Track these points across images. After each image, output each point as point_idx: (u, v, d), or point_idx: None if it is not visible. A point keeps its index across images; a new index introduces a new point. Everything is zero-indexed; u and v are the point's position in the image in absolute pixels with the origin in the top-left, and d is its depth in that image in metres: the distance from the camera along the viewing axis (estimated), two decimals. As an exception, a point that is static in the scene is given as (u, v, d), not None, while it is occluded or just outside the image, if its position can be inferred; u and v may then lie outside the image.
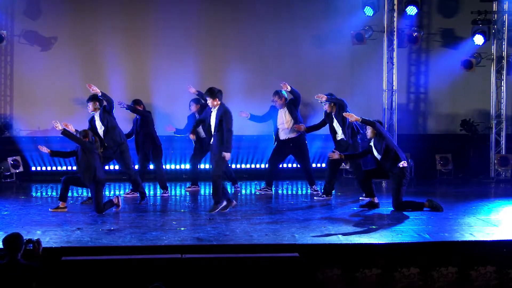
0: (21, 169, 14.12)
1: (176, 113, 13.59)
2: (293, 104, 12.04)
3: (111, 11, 14.54)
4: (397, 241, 8.44)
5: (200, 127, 12.55)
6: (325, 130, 11.83)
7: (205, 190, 13.08)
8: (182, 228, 9.19)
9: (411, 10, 14.36)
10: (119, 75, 14.00)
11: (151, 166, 12.42)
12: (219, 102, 10.28)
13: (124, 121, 12.82)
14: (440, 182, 14.19)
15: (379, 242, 8.38)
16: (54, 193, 12.41)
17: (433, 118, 15.39)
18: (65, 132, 10.21)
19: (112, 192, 12.69)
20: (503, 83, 14.86)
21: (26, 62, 14.41)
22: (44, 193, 12.85)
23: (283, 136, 12.15)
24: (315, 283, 7.96)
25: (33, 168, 14.35)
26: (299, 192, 13.12)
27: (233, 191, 12.12)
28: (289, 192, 13.15)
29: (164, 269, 7.43)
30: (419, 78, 15.39)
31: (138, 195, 11.43)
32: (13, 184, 13.85)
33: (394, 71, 14.70)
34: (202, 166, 13.79)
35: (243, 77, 13.95)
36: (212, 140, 10.36)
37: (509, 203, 11.35)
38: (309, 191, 12.36)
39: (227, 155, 10.17)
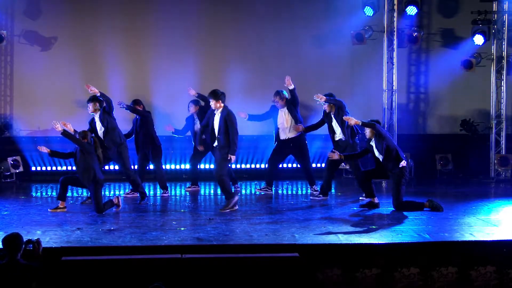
0: (21, 169, 14.12)
1: (176, 113, 13.58)
2: (292, 104, 12.04)
3: (111, 11, 14.54)
4: (397, 241, 8.45)
5: (199, 127, 12.55)
6: (325, 130, 11.82)
7: (205, 190, 13.08)
8: (182, 228, 9.19)
9: (411, 10, 14.36)
10: (119, 75, 14.00)
11: (151, 166, 12.41)
12: (222, 105, 10.29)
13: (124, 121, 12.82)
14: (440, 182, 14.19)
15: (379, 242, 8.38)
16: (54, 193, 12.40)
17: (433, 118, 15.38)
18: (64, 133, 10.23)
19: (112, 192, 12.69)
20: (503, 83, 14.86)
21: (26, 62, 14.41)
22: (44, 193, 12.85)
23: (283, 136, 12.16)
24: (315, 283, 7.96)
25: (33, 168, 14.36)
26: (299, 192, 13.12)
27: (233, 191, 12.10)
28: (289, 192, 13.15)
29: (164, 269, 7.43)
30: (419, 78, 15.38)
31: (138, 195, 11.43)
32: (13, 184, 13.85)
33: (394, 71, 14.70)
34: (202, 166, 13.80)
35: (243, 77, 13.95)
36: (215, 143, 10.35)
37: (509, 203, 11.35)
38: (309, 191, 12.35)
39: (233, 158, 10.20)
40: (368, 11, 14.32)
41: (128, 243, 8.32)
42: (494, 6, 14.65)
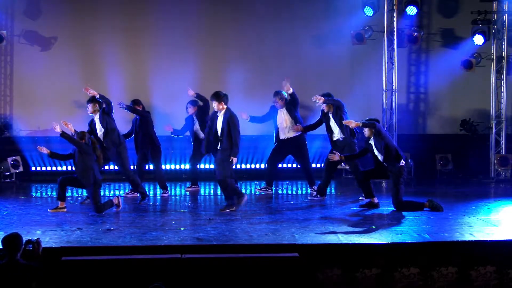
0: (21, 169, 14.12)
1: (176, 113, 13.56)
2: (292, 104, 12.04)
3: (111, 11, 14.54)
4: (397, 241, 8.45)
5: (199, 127, 12.57)
6: (325, 130, 11.80)
7: (205, 190, 13.08)
8: (182, 228, 9.19)
9: (411, 10, 14.35)
10: (119, 75, 14.00)
11: (150, 166, 12.42)
12: (225, 106, 10.30)
13: (123, 121, 12.83)
14: (440, 182, 14.19)
15: (379, 242, 8.38)
16: (54, 193, 12.38)
17: (433, 118, 15.38)
18: (63, 134, 10.26)
19: (112, 192, 12.70)
20: (503, 83, 14.85)
21: (26, 62, 14.41)
22: (44, 193, 12.85)
23: (282, 135, 12.16)
24: (315, 283, 7.96)
25: (33, 168, 14.35)
26: (299, 192, 13.12)
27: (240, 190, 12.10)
28: (289, 192, 13.15)
29: (164, 269, 7.43)
30: (419, 78, 15.38)
31: (138, 195, 11.43)
32: (13, 184, 13.85)
33: (394, 71, 14.69)
34: (202, 166, 13.80)
35: (243, 77, 13.95)
36: (219, 145, 10.34)
37: (509, 203, 11.35)
38: (309, 191, 12.35)
39: (235, 159, 10.20)
40: (368, 11, 14.32)
41: (128, 243, 8.32)
42: (494, 6, 14.64)
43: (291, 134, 12.09)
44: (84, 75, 13.97)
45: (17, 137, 14.30)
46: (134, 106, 12.07)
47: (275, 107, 12.22)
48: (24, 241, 6.85)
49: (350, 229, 9.19)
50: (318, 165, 14.20)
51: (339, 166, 13.38)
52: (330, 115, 11.50)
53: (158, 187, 12.46)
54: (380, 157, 10.47)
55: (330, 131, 11.58)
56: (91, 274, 7.37)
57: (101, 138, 11.38)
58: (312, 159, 13.73)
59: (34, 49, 14.45)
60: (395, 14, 14.61)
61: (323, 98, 11.34)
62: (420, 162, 14.59)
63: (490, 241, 8.56)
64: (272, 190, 12.43)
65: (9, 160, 13.98)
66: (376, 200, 10.82)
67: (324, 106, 11.52)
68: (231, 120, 10.21)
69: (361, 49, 14.65)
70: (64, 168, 14.15)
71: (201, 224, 9.47)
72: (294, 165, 13.96)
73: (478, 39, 14.38)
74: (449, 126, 15.26)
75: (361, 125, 10.49)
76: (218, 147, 10.39)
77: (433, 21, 15.25)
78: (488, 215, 10.19)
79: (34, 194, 12.91)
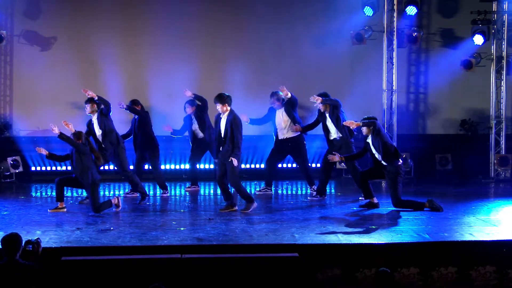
0: (20, 169, 14.12)
1: (175, 113, 13.53)
2: (290, 104, 12.03)
3: (110, 11, 14.54)
4: (397, 241, 8.45)
5: (197, 127, 12.56)
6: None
7: (205, 190, 13.08)
8: (182, 228, 9.19)
9: (411, 10, 14.34)
10: (118, 75, 13.99)
11: (148, 166, 12.44)
12: (228, 108, 10.28)
13: (122, 122, 12.87)
14: (440, 182, 14.18)
15: (379, 242, 8.39)
16: (53, 193, 12.38)
17: (432, 118, 15.38)
18: (61, 135, 10.26)
19: (112, 192, 12.70)
20: (503, 83, 14.85)
21: (26, 62, 14.41)
22: (43, 193, 12.85)
23: (281, 136, 12.17)
24: (315, 283, 7.96)
25: (33, 168, 14.35)
26: (299, 192, 13.11)
27: (233, 191, 12.09)
28: (289, 192, 13.15)
29: (164, 269, 7.44)
30: (418, 78, 15.38)
31: (138, 195, 11.43)
32: (12, 184, 13.85)
33: (394, 71, 14.69)
34: (202, 166, 13.80)
35: (243, 77, 13.94)
36: (222, 147, 10.33)
37: (509, 203, 11.35)
38: (308, 191, 12.35)
39: (235, 161, 10.19)
40: (368, 11, 14.32)
41: (128, 243, 8.32)
42: (494, 6, 14.64)
43: (290, 134, 12.09)
44: (84, 75, 13.99)
45: (17, 137, 14.30)
46: (133, 106, 12.07)
47: (273, 108, 12.23)
48: (23, 241, 6.85)
49: (350, 229, 9.19)
50: (318, 165, 14.19)
51: (338, 166, 13.41)
52: (327, 115, 11.50)
53: (157, 187, 12.46)
54: (378, 155, 10.46)
55: (326, 130, 11.58)
56: (91, 274, 7.38)
57: (99, 139, 11.39)
58: (312, 159, 13.72)
59: (34, 49, 14.45)
60: (395, 14, 14.61)
61: (320, 98, 11.34)
62: (420, 162, 14.58)
63: (490, 241, 8.56)
64: (271, 190, 12.43)
65: (9, 160, 13.98)
66: (375, 200, 10.82)
67: (320, 106, 11.51)
68: (234, 122, 10.20)
69: (361, 49, 14.65)
70: (64, 168, 14.14)
71: (201, 224, 9.47)
72: (294, 165, 13.95)
73: (478, 39, 14.38)
74: (449, 126, 15.26)
75: (361, 124, 10.48)
76: (221, 149, 10.38)
77: (433, 21, 15.25)
78: (488, 215, 10.19)
79: (33, 194, 12.91)
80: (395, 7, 14.58)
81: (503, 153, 14.80)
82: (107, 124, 11.38)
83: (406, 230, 9.03)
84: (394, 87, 14.72)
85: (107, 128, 11.37)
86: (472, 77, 14.74)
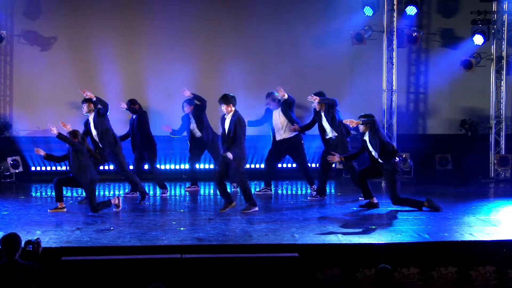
0: (20, 169, 14.12)
1: (175, 113, 13.51)
2: (287, 105, 12.01)
3: (110, 11, 14.54)
4: (397, 241, 8.45)
5: (195, 126, 12.56)
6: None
7: (205, 190, 13.08)
8: (182, 228, 9.19)
9: (411, 10, 14.35)
10: (118, 75, 14.00)
11: (146, 166, 12.44)
12: (233, 109, 10.30)
13: (121, 122, 12.90)
14: (440, 182, 14.18)
15: (379, 242, 8.39)
16: (53, 193, 12.39)
17: (432, 118, 15.38)
18: (60, 135, 10.27)
19: (112, 192, 12.70)
20: (503, 83, 14.86)
21: (26, 62, 14.41)
22: (43, 193, 12.85)
23: (278, 136, 12.16)
24: (315, 283, 7.96)
25: (33, 168, 14.36)
26: (299, 192, 13.11)
27: (232, 191, 12.10)
28: (289, 192, 13.15)
29: (164, 269, 7.43)
30: (418, 78, 15.38)
31: (138, 195, 11.43)
32: (12, 184, 13.85)
33: (394, 71, 14.70)
34: (201, 166, 13.80)
35: (243, 77, 13.94)
36: (225, 147, 10.34)
37: (509, 203, 11.35)
38: (308, 191, 12.34)
39: (229, 155, 10.18)
40: (368, 11, 14.32)
41: (128, 243, 8.32)
42: (494, 6, 14.65)
43: (287, 134, 12.08)
44: (84, 75, 14.00)
45: (17, 137, 14.30)
46: (132, 106, 12.10)
47: (270, 109, 12.23)
48: (23, 241, 6.85)
49: (350, 229, 9.19)
50: (317, 165, 14.19)
51: (338, 166, 13.40)
52: (322, 114, 11.48)
53: (157, 187, 12.46)
54: (374, 153, 10.44)
55: (322, 129, 11.57)
56: (91, 274, 7.37)
57: (96, 139, 11.39)
58: (312, 159, 13.72)
59: (34, 49, 14.45)
60: (395, 14, 14.61)
61: (318, 98, 11.33)
62: (420, 162, 14.60)
63: (490, 241, 8.56)
64: (271, 190, 12.43)
65: (9, 160, 13.99)
66: (375, 200, 10.82)
67: (316, 105, 11.49)
68: (238, 122, 10.21)
69: (361, 49, 14.66)
70: (64, 168, 14.12)
71: (200, 224, 9.47)
72: (294, 165, 13.94)
73: (478, 39, 14.38)
74: (448, 126, 15.27)
75: (360, 123, 10.47)
76: (224, 150, 10.40)
77: (433, 21, 15.26)
78: (488, 215, 10.19)
79: (33, 194, 12.91)
80: (395, 7, 14.59)
81: (503, 153, 14.81)
82: (103, 124, 11.37)
83: (406, 230, 9.03)
84: (394, 87, 14.73)
85: (104, 128, 11.37)
86: (472, 77, 14.74)
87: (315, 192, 11.80)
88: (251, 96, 13.43)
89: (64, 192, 11.05)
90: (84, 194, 11.68)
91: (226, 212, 10.29)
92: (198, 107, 12.50)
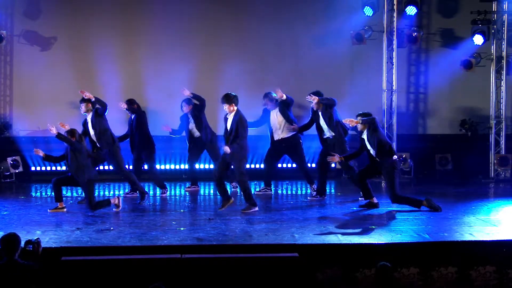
0: (20, 169, 14.12)
1: (176, 113, 13.51)
2: (285, 105, 12.00)
3: (110, 11, 14.54)
4: (397, 241, 8.45)
5: (194, 126, 12.56)
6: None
7: (205, 190, 13.07)
8: (182, 228, 9.19)
9: (411, 10, 14.35)
10: (118, 74, 14.00)
11: (145, 166, 12.45)
12: (235, 108, 10.31)
13: (119, 122, 12.88)
14: (440, 182, 14.18)
15: (379, 242, 8.39)
16: (53, 193, 12.39)
17: (432, 118, 15.38)
18: (59, 135, 10.28)
19: (112, 192, 12.70)
20: (503, 83, 14.85)
21: (26, 62, 14.41)
22: (43, 193, 12.85)
23: (276, 136, 12.17)
24: (315, 283, 7.96)
25: (33, 168, 14.36)
26: (299, 192, 13.11)
27: (232, 191, 12.10)
28: (289, 192, 13.15)
29: (164, 269, 7.43)
30: (418, 78, 15.38)
31: (138, 194, 11.43)
32: (12, 184, 13.85)
33: (394, 71, 14.69)
34: (201, 166, 13.80)
35: (243, 77, 13.95)
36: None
37: (509, 203, 11.35)
38: (308, 191, 12.34)
39: (227, 148, 10.18)
40: (368, 11, 14.32)
41: (128, 243, 8.32)
42: (494, 6, 14.65)
43: (285, 134, 12.08)
44: (84, 75, 14.00)
45: (17, 137, 14.30)
46: (130, 105, 12.11)
47: (268, 109, 12.23)
48: (24, 241, 6.85)
49: (350, 229, 9.19)
50: (315, 164, 14.17)
51: (338, 166, 13.40)
52: (320, 113, 11.48)
53: (156, 187, 12.46)
54: (372, 151, 10.43)
55: (320, 129, 11.57)
56: (91, 274, 7.37)
57: (94, 139, 11.39)
58: (312, 159, 13.71)
59: (34, 49, 14.45)
60: (395, 14, 14.61)
61: (317, 98, 11.31)
62: (420, 162, 14.60)
63: (490, 241, 8.56)
64: (271, 190, 12.43)
65: (9, 160, 13.99)
66: (375, 200, 10.81)
67: (314, 105, 11.48)
68: (240, 122, 10.23)
69: (361, 49, 14.65)
70: (64, 168, 14.13)
71: (200, 224, 9.47)
72: (294, 165, 13.94)
73: (478, 39, 14.38)
74: (448, 126, 15.26)
75: (360, 122, 10.47)
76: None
77: (433, 21, 15.25)
78: (488, 215, 10.19)
79: (33, 194, 12.91)
80: (395, 7, 14.58)
81: (503, 153, 14.81)
82: (101, 124, 11.37)
83: (406, 230, 9.03)
84: (394, 87, 14.72)
85: (102, 128, 11.36)
86: (472, 77, 14.74)
87: (315, 192, 11.80)
88: (251, 96, 13.40)
89: (64, 192, 11.07)
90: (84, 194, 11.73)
91: (226, 212, 10.29)
92: (197, 106, 12.50)
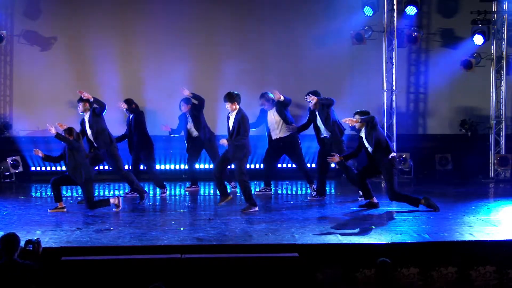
0: (20, 169, 14.12)
1: (176, 113, 13.51)
2: (282, 105, 12.00)
3: (110, 11, 14.54)
4: (397, 241, 8.45)
5: (192, 126, 12.57)
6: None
7: (205, 190, 13.07)
8: (182, 228, 9.19)
9: (411, 10, 14.34)
10: (118, 74, 14.00)
11: (144, 167, 12.46)
12: (237, 107, 10.33)
13: (118, 122, 12.87)
14: (440, 182, 14.18)
15: (379, 242, 8.39)
16: (52, 194, 12.39)
17: (432, 118, 15.38)
18: (58, 135, 10.29)
19: (112, 192, 12.70)
20: (503, 83, 14.85)
21: (26, 62, 14.41)
22: (43, 193, 12.84)
23: (274, 136, 12.18)
24: (315, 283, 7.96)
25: (33, 168, 14.36)
26: (299, 192, 13.11)
27: (231, 191, 12.09)
28: (289, 192, 13.15)
29: (164, 269, 7.43)
30: (418, 78, 15.37)
31: (137, 194, 11.42)
32: (12, 184, 13.85)
33: (394, 71, 14.69)
34: (201, 166, 13.80)
35: (243, 77, 13.95)
36: (229, 145, 10.37)
37: (509, 203, 11.35)
38: (308, 191, 12.34)
39: (224, 141, 10.20)
40: (368, 11, 14.32)
41: (128, 243, 8.32)
42: (494, 6, 14.65)
43: (283, 133, 12.09)
44: (84, 75, 14.00)
45: (17, 137, 14.30)
46: (129, 105, 12.11)
47: (265, 109, 12.24)
48: (24, 241, 6.85)
49: (350, 229, 9.19)
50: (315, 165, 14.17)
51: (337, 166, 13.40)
52: (317, 113, 11.47)
53: (156, 187, 12.46)
54: (370, 148, 10.43)
55: (317, 128, 11.55)
56: (91, 274, 7.37)
57: (91, 138, 11.38)
58: (312, 159, 13.71)
59: (34, 49, 14.45)
60: (395, 14, 14.61)
61: (316, 98, 11.30)
62: (420, 162, 14.60)
63: (490, 241, 8.56)
64: (271, 190, 12.43)
65: (9, 160, 13.99)
66: (375, 200, 10.81)
67: (311, 104, 11.46)
68: (242, 121, 10.24)
69: (361, 49, 14.65)
70: (64, 168, 14.13)
71: (201, 224, 9.47)
72: (294, 165, 13.93)
73: (478, 39, 14.38)
74: (448, 126, 15.27)
75: (360, 120, 10.46)
76: (228, 148, 10.42)
77: (433, 21, 15.25)
78: (488, 215, 10.19)
79: (33, 194, 12.91)
80: (395, 7, 14.58)
81: (503, 153, 14.81)
82: (99, 124, 11.35)
83: (406, 230, 9.03)
84: (394, 87, 14.72)
85: (99, 128, 11.35)
86: (472, 77, 14.74)
87: (315, 192, 11.80)
88: (251, 96, 13.42)
89: (64, 192, 11.07)
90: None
91: (226, 212, 10.30)
92: (195, 106, 12.50)
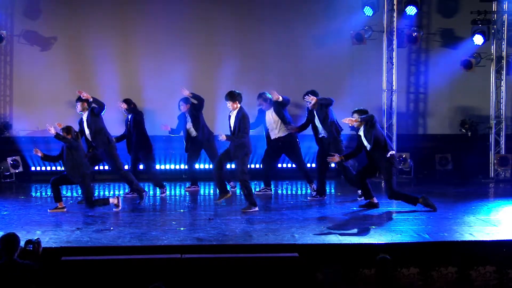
0: (20, 169, 14.12)
1: (176, 113, 13.52)
2: (280, 105, 12.00)
3: (111, 11, 14.55)
4: (397, 241, 8.45)
5: (191, 125, 12.57)
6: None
7: (205, 190, 13.07)
8: (182, 228, 9.19)
9: (411, 10, 14.35)
10: (118, 74, 14.01)
11: (143, 167, 12.45)
12: (238, 106, 10.34)
13: (118, 122, 12.86)
14: (440, 182, 14.18)
15: (379, 242, 8.38)
16: (52, 194, 12.38)
17: (432, 118, 15.38)
18: (58, 135, 10.29)
19: (112, 192, 12.69)
20: (503, 83, 14.86)
21: (26, 62, 14.42)
22: (43, 193, 12.84)
23: (272, 136, 12.18)
24: (315, 283, 7.96)
25: (33, 168, 14.36)
26: (299, 192, 13.11)
27: (231, 191, 12.08)
28: (289, 192, 13.15)
29: (164, 269, 7.43)
30: (418, 78, 15.38)
31: (138, 195, 11.42)
32: (12, 184, 13.85)
33: (394, 71, 14.70)
34: (201, 166, 13.79)
35: (242, 77, 13.94)
36: (230, 144, 10.38)
37: (509, 203, 11.35)
38: (308, 191, 12.34)
39: (223, 136, 10.22)
40: (368, 11, 14.32)
41: (128, 243, 8.32)
42: (494, 6, 14.65)
43: (281, 133, 12.10)
44: (84, 75, 14.00)
45: (17, 137, 14.30)
46: (127, 105, 12.12)
47: (263, 110, 12.24)
48: (24, 241, 6.85)
49: (350, 229, 9.19)
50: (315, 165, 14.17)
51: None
52: (315, 112, 11.47)
53: (156, 187, 12.46)
54: (368, 147, 10.42)
55: (315, 128, 11.56)
56: (91, 274, 7.37)
57: (89, 138, 11.38)
58: (313, 159, 13.71)
59: (34, 49, 14.45)
60: (395, 14, 14.61)
61: (316, 98, 11.29)
62: (420, 162, 14.60)
63: (490, 241, 8.55)
64: (271, 190, 12.43)
65: (9, 160, 13.99)
66: (375, 200, 10.81)
67: (310, 104, 11.46)
68: (242, 120, 10.25)
69: (361, 49, 14.66)
70: (64, 168, 14.12)
71: (201, 224, 9.47)
72: (294, 165, 13.93)
73: (478, 39, 14.38)
74: (448, 126, 15.27)
75: (359, 120, 10.46)
76: (229, 146, 10.43)
77: (433, 21, 15.26)
78: (488, 215, 10.19)
79: (33, 194, 12.91)
80: (395, 7, 14.59)
81: (503, 153, 14.81)
82: (97, 123, 11.35)
83: (406, 230, 9.03)
84: (394, 87, 14.73)
85: (97, 127, 11.34)
86: (472, 77, 14.74)
87: (315, 192, 11.80)
88: (251, 96, 13.42)
89: (64, 192, 11.07)
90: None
91: (226, 212, 10.30)
92: (194, 106, 12.50)
